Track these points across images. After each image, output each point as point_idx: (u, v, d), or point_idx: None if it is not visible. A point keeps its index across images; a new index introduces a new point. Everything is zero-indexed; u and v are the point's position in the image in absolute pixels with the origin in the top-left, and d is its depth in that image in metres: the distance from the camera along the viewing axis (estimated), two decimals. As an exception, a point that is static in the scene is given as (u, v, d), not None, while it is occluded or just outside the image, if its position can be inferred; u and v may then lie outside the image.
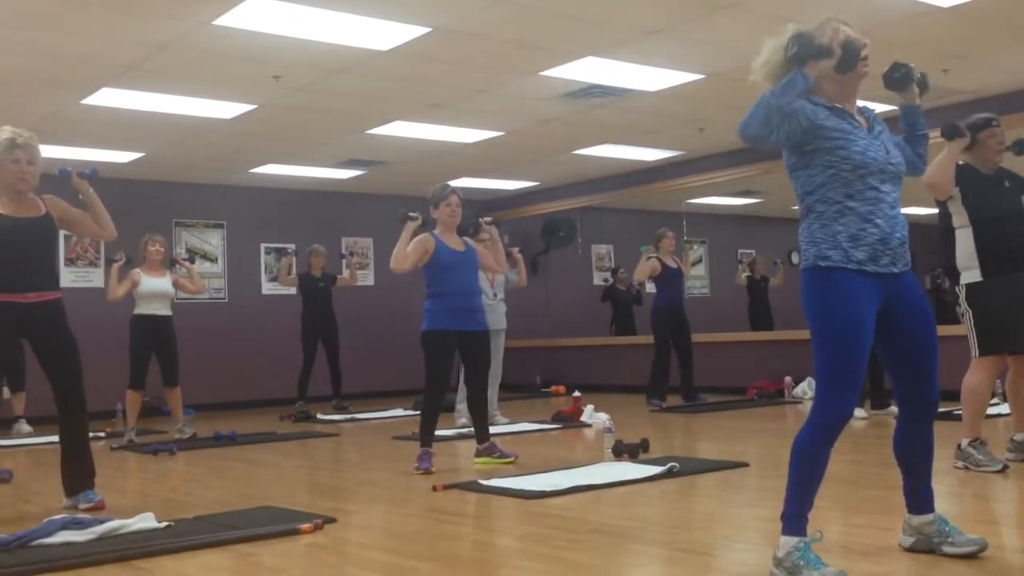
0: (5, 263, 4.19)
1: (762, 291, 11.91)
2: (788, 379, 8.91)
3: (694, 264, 9.53)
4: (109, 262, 7.50)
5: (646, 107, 8.06)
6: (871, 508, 3.73)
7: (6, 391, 8.57)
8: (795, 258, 13.27)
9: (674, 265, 8.86)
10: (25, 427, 8.46)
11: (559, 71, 6.94)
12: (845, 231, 2.65)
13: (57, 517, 3.69)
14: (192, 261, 8.16)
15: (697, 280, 14.47)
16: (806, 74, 2.61)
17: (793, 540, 2.59)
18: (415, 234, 5.25)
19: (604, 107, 8.02)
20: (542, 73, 6.98)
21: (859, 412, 6.90)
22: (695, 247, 9.66)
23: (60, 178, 4.48)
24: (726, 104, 7.96)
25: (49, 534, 3.50)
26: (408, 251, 5.18)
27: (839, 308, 2.61)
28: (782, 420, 7.53)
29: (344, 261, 10.14)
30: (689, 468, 4.74)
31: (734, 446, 5.91)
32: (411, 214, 5.28)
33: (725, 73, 7.00)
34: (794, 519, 2.62)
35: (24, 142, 4.25)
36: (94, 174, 4.54)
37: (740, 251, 14.83)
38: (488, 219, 5.95)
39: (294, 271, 9.56)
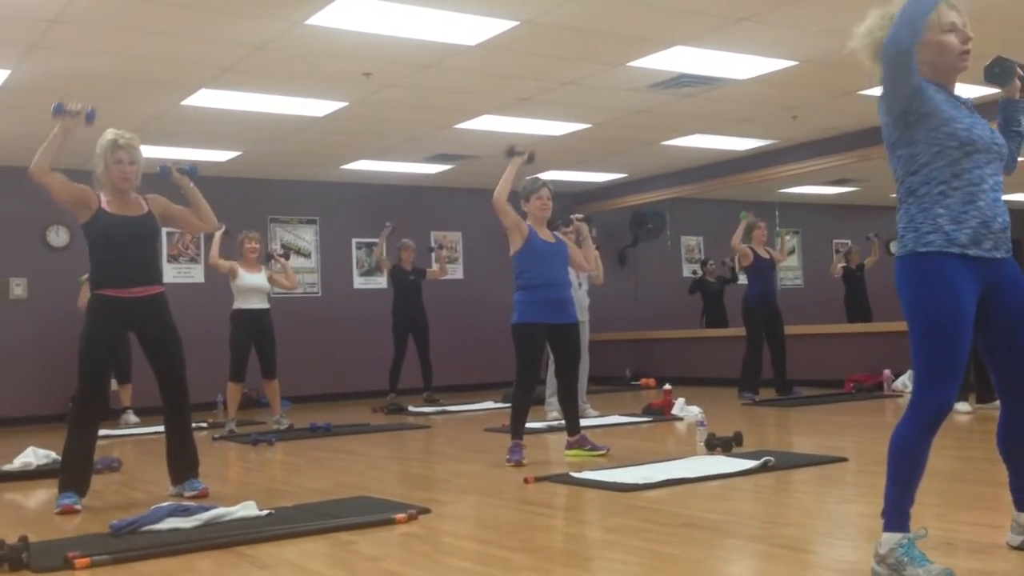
0: (111, 260, 4.36)
1: (859, 281, 11.60)
2: (887, 372, 8.66)
3: (789, 254, 9.31)
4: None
5: (737, 95, 7.92)
6: (977, 504, 3.61)
7: (114, 383, 8.93)
8: (894, 247, 12.95)
9: (766, 256, 8.70)
10: (132, 418, 8.80)
11: (647, 61, 6.88)
12: (947, 213, 2.54)
13: (164, 504, 3.83)
14: (287, 257, 8.36)
15: (790, 271, 14.18)
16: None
17: (896, 536, 2.52)
18: (519, 175, 5.19)
19: (693, 96, 7.91)
20: (630, 64, 6.93)
21: (963, 406, 6.67)
22: (789, 237, 9.44)
23: (160, 175, 4.62)
24: (821, 90, 7.78)
25: (157, 520, 3.63)
26: (508, 231, 5.17)
27: (938, 296, 2.52)
28: (881, 414, 7.32)
29: (433, 254, 10.24)
30: (784, 462, 4.65)
31: (831, 440, 5.78)
32: (518, 149, 5.27)
33: (819, 59, 6.82)
34: (896, 515, 2.55)
35: (126, 143, 4.41)
36: (193, 170, 4.68)
37: (835, 241, 14.48)
38: (580, 216, 5.92)
39: (384, 249, 9.66)
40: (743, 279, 9.43)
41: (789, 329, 8.81)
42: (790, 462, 4.70)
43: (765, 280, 8.66)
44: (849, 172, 11.26)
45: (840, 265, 11.66)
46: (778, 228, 9.68)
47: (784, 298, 9.27)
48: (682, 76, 7.30)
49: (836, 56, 6.15)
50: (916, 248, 2.56)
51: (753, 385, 8.46)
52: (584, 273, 7.50)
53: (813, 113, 8.60)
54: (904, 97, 2.55)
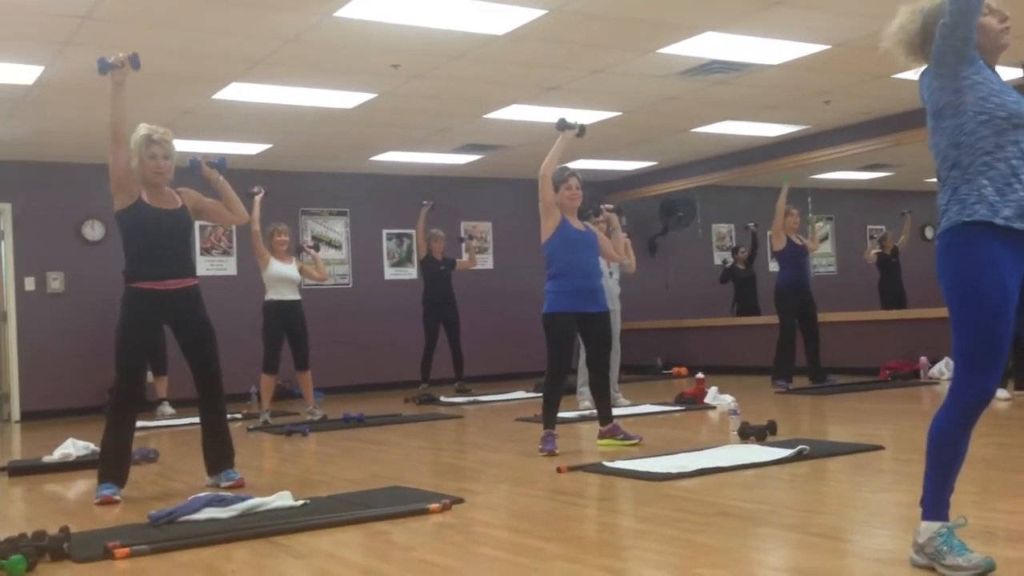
0: (146, 253, 4.41)
1: (894, 267, 11.48)
2: (924, 359, 8.56)
3: (822, 241, 9.21)
4: (248, 195, 7.75)
5: (768, 81, 7.84)
6: (1017, 493, 3.56)
7: (149, 375, 9.04)
8: (929, 233, 12.79)
9: (799, 243, 8.62)
10: (168, 409, 8.90)
11: (677, 48, 6.82)
12: (992, 185, 2.47)
13: (201, 495, 3.88)
14: (317, 249, 8.40)
15: (823, 258, 14.05)
16: None
17: (935, 525, 2.49)
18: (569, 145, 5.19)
19: (724, 83, 7.84)
20: (660, 51, 6.88)
21: (1003, 393, 6.58)
22: (821, 224, 9.35)
23: (191, 169, 4.65)
24: (854, 74, 7.69)
25: (195, 511, 3.68)
26: (544, 215, 5.16)
27: (981, 279, 2.46)
28: (918, 402, 7.24)
29: (464, 244, 10.25)
30: (819, 451, 4.61)
31: (866, 429, 5.73)
32: (569, 122, 5.25)
33: (853, 42, 6.74)
34: (935, 504, 2.52)
35: (159, 138, 4.44)
36: (223, 163, 4.71)
37: (869, 227, 14.32)
38: (610, 206, 5.90)
39: (423, 224, 9.67)
40: (774, 266, 9.35)
41: (823, 316, 8.73)
42: (825, 450, 4.66)
43: (797, 267, 8.59)
44: (883, 157, 11.12)
45: (874, 251, 11.53)
46: (810, 215, 9.57)
47: (817, 285, 9.18)
48: (713, 62, 7.23)
49: (870, 39, 6.05)
50: (961, 219, 2.48)
51: (786, 373, 8.40)
52: (616, 263, 7.47)
53: (846, 97, 8.49)
54: (961, 45, 2.47)
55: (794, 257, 8.56)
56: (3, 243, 9.62)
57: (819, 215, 9.58)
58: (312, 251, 8.13)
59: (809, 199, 11.56)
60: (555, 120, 5.34)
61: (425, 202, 9.70)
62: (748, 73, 7.57)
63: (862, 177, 13.14)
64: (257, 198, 7.42)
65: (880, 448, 4.72)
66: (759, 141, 10.48)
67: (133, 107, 4.38)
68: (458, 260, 9.88)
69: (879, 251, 11.49)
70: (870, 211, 14.28)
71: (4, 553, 3.03)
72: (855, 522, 3.33)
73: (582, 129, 5.30)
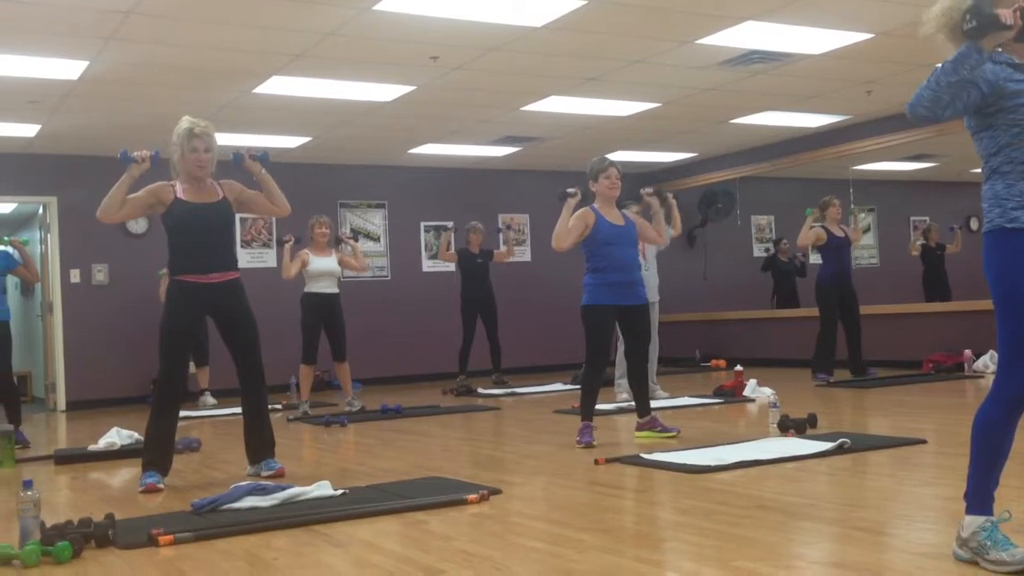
0: (189, 247, 4.47)
1: (938, 260, 11.30)
2: (968, 352, 8.43)
3: (864, 232, 9.08)
4: (280, 243, 7.89)
5: (809, 71, 7.75)
6: (1065, 489, 3.49)
7: (192, 366, 9.17)
8: (974, 224, 12.58)
9: (840, 234, 8.51)
10: (210, 399, 9.02)
11: (717, 38, 6.76)
12: None
13: (243, 483, 3.93)
14: (356, 240, 8.45)
15: (865, 250, 13.87)
16: (981, 47, 2.42)
17: (979, 519, 2.46)
18: (575, 209, 5.23)
19: (765, 73, 7.76)
20: (699, 41, 6.82)
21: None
22: (864, 215, 9.21)
23: (234, 163, 4.71)
24: (897, 63, 7.57)
25: (236, 499, 3.72)
26: (569, 227, 5.18)
27: (1022, 278, 2.44)
28: (961, 395, 7.13)
29: (501, 235, 10.24)
30: (861, 444, 4.56)
31: (909, 422, 5.65)
32: (569, 190, 5.27)
33: (895, 30, 6.63)
34: (979, 498, 2.49)
35: (201, 131, 4.49)
36: (265, 157, 4.75)
37: (912, 219, 14.11)
38: (649, 190, 5.86)
39: (453, 247, 9.75)
40: (816, 258, 9.25)
41: (865, 309, 8.62)
42: (867, 444, 4.61)
43: (839, 259, 8.48)
44: (927, 147, 10.94)
45: (919, 243, 11.36)
46: (852, 207, 9.43)
47: (859, 277, 9.06)
48: (753, 52, 7.16)
49: (913, 27, 5.96)
50: (1003, 224, 2.49)
51: (827, 366, 8.31)
52: (651, 251, 7.41)
53: (889, 87, 8.36)
54: (974, 107, 2.50)
55: (837, 249, 8.46)
56: (49, 236, 9.80)
57: (861, 206, 9.41)
58: (351, 242, 8.18)
59: (851, 190, 11.41)
60: (556, 192, 5.36)
61: (448, 226, 9.76)
62: (789, 63, 7.49)
63: (905, 168, 12.94)
64: (287, 246, 7.55)
65: (923, 442, 4.66)
66: (800, 132, 10.37)
67: (176, 100, 4.47)
68: (495, 251, 9.90)
69: (923, 243, 11.32)
70: (913, 202, 14.07)
71: (51, 540, 3.10)
72: (897, 516, 3.29)
73: (584, 195, 5.31)
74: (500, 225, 10.62)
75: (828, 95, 8.71)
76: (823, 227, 8.41)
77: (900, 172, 13.26)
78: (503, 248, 9.99)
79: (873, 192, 13.46)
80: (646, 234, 5.51)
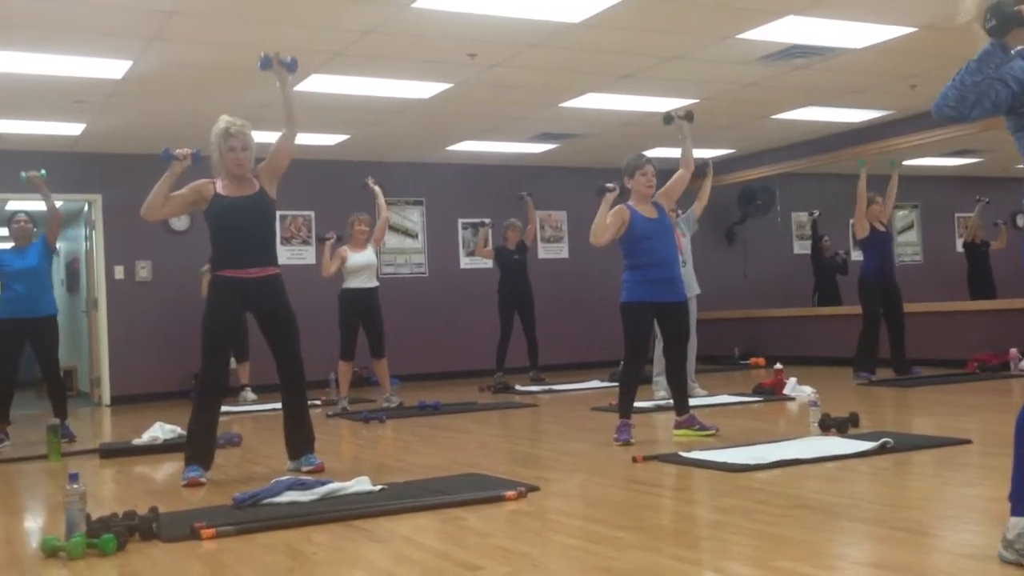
0: (228, 241, 4.52)
1: (983, 257, 11.11)
2: (1014, 351, 8.27)
3: (906, 230, 8.90)
4: (321, 240, 7.94)
5: (852, 65, 7.65)
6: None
7: (232, 361, 9.27)
8: (1020, 220, 12.34)
9: (883, 229, 8.40)
10: (250, 395, 9.12)
11: (757, 33, 6.70)
12: None
13: (283, 478, 3.97)
14: (380, 185, 8.02)
15: (908, 247, 13.69)
16: (1005, 45, 2.37)
17: (1024, 521, 2.42)
18: (612, 205, 5.21)
19: (806, 68, 7.68)
20: (739, 36, 6.76)
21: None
22: (907, 211, 9.08)
23: (262, 67, 4.57)
24: (942, 57, 7.44)
25: (277, 494, 3.76)
26: (607, 223, 5.16)
27: None
28: (1007, 395, 7.01)
29: (528, 201, 9.80)
30: (903, 444, 4.50)
31: (953, 422, 5.57)
32: (607, 185, 5.24)
33: (939, 23, 6.53)
34: (1024, 499, 2.44)
35: (237, 130, 4.53)
36: (294, 64, 4.63)
37: (957, 215, 13.89)
38: (681, 112, 5.59)
39: (490, 243, 9.73)
40: (858, 256, 9.13)
41: (908, 306, 8.50)
42: (910, 444, 4.55)
43: (882, 254, 8.37)
44: (972, 142, 10.77)
45: (966, 239, 11.21)
46: (892, 161, 9.11)
47: (903, 274, 8.94)
48: (794, 47, 7.08)
49: (957, 20, 5.85)
50: None
51: (869, 364, 8.21)
52: (687, 244, 7.32)
53: (933, 81, 8.19)
54: (1005, 107, 2.45)
55: (879, 245, 8.35)
56: (94, 233, 9.97)
57: (904, 203, 9.24)
58: (374, 185, 7.78)
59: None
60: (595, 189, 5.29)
61: (484, 223, 9.73)
62: (831, 57, 7.40)
63: (950, 163, 12.74)
64: (328, 243, 7.59)
65: (967, 442, 4.58)
66: (842, 127, 10.24)
67: (217, 98, 4.52)
68: (524, 238, 9.71)
69: (968, 240, 11.15)
70: (958, 198, 13.85)
71: (96, 532, 3.15)
72: (941, 517, 3.24)
73: (622, 191, 5.26)
74: (521, 192, 10.19)
75: (871, 90, 8.60)
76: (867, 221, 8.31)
77: (945, 168, 13.05)
78: (528, 219, 9.75)
79: (917, 188, 13.27)
80: (672, 189, 5.35)
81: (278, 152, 4.68)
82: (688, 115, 5.54)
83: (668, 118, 5.60)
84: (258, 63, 4.61)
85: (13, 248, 6.62)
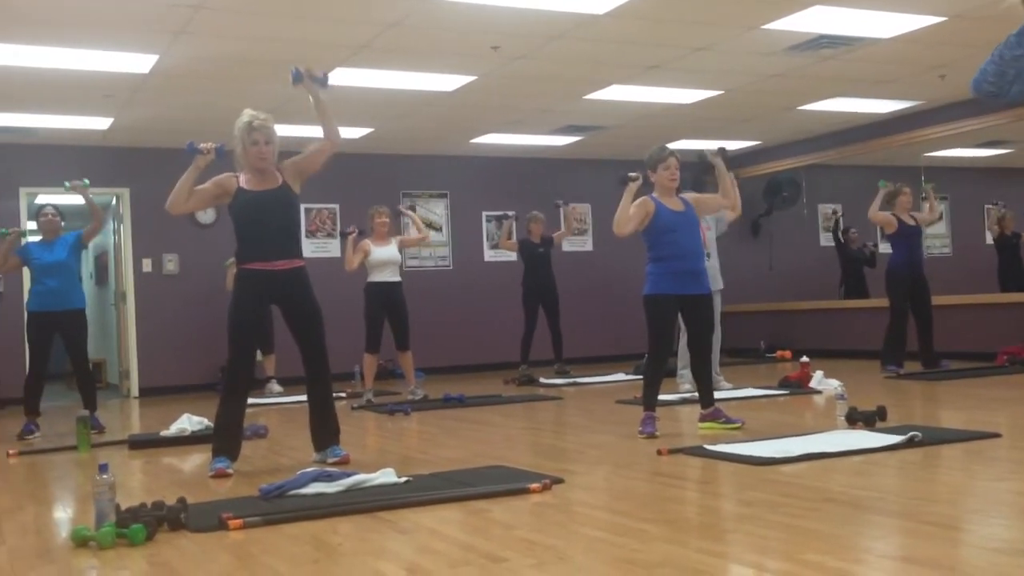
0: (253, 235, 4.54)
1: (1014, 249, 10.97)
2: (1045, 344, 8.17)
3: (937, 220, 8.80)
4: (344, 235, 7.97)
5: (880, 55, 7.57)
6: None
7: (258, 354, 9.32)
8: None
9: (911, 222, 8.31)
10: (276, 387, 9.17)
11: (783, 23, 6.64)
12: None
13: (309, 470, 4.00)
14: (414, 210, 8.38)
15: (937, 239, 13.53)
16: None
17: (1057, 517, 2.39)
18: (637, 195, 5.18)
19: (833, 58, 7.60)
20: (765, 26, 6.71)
21: None
22: (938, 200, 8.96)
23: (294, 81, 4.58)
24: (971, 47, 7.35)
25: (303, 485, 3.78)
26: (631, 214, 5.13)
27: None
28: (1037, 389, 6.93)
29: (561, 212, 10.03)
30: (932, 438, 4.45)
31: (982, 415, 5.51)
32: (630, 175, 5.21)
33: (969, 12, 6.44)
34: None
35: (260, 124, 4.55)
36: (325, 79, 4.65)
37: (986, 206, 13.71)
38: (714, 151, 5.63)
39: (514, 236, 9.73)
40: (886, 247, 9.04)
41: (937, 299, 8.41)
42: (938, 437, 4.50)
43: (910, 247, 8.29)
44: (1002, 133, 10.61)
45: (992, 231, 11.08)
46: (924, 182, 9.11)
47: (931, 266, 8.85)
48: (821, 37, 7.02)
49: (988, 8, 5.79)
50: None
51: (897, 357, 8.13)
52: (711, 238, 7.29)
53: (962, 71, 8.07)
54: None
55: (907, 238, 8.27)
56: (122, 227, 10.06)
57: (934, 184, 9.12)
58: (409, 212, 8.13)
59: (922, 177, 11.12)
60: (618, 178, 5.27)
61: (508, 215, 9.71)
62: (858, 48, 7.33)
63: (979, 154, 12.58)
64: (351, 238, 7.63)
65: (996, 436, 4.53)
66: (869, 118, 10.15)
67: (243, 92, 4.55)
68: (555, 235, 9.79)
69: (997, 232, 11.02)
70: (988, 190, 13.67)
71: (125, 522, 3.18)
72: (970, 511, 3.21)
73: (646, 180, 5.22)
74: (557, 201, 10.35)
75: (899, 80, 8.51)
76: (895, 215, 8.23)
77: (974, 159, 12.89)
78: (563, 227, 9.86)
79: (946, 180, 13.07)
80: (707, 205, 5.40)
81: (312, 157, 4.71)
82: (721, 151, 5.57)
83: (702, 156, 5.64)
84: (290, 77, 4.65)
85: (42, 241, 6.69)
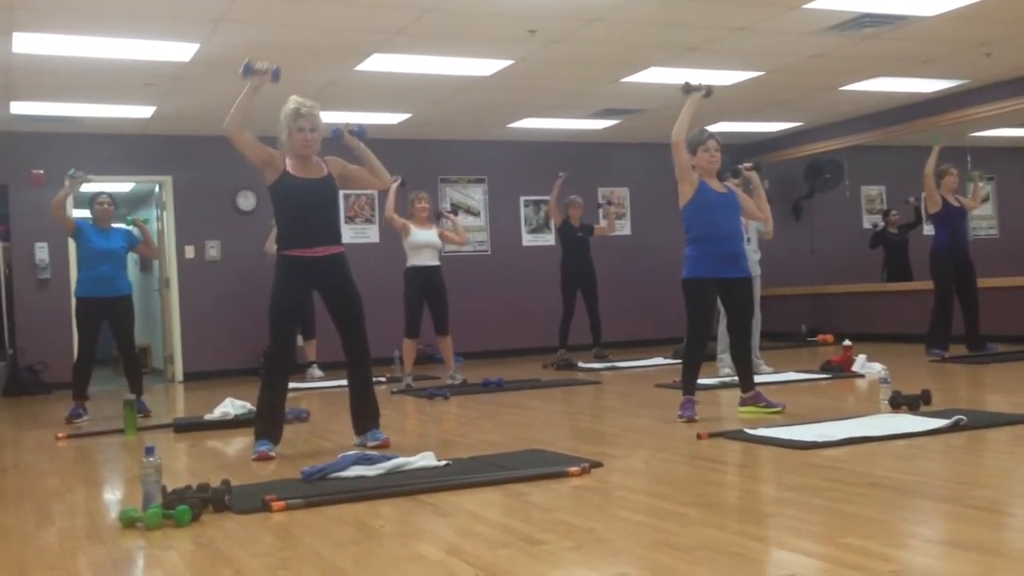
0: (296, 221, 4.59)
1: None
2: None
3: (983, 201, 8.64)
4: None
5: (924, 33, 7.43)
6: None
7: (299, 339, 9.41)
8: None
9: (956, 204, 8.17)
10: (317, 372, 9.26)
11: (825, 2, 6.54)
12: None
13: (350, 453, 4.03)
14: (455, 214, 8.52)
15: (983, 220, 13.29)
16: None
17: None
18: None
19: (876, 37, 7.47)
20: (806, 6, 6.60)
21: None
22: (983, 183, 8.78)
23: (333, 138, 4.81)
24: (1018, 23, 7.21)
25: (344, 468, 3.83)
26: (687, 124, 5.02)
27: None
28: (1087, 372, 6.79)
29: (601, 210, 10.20)
30: (977, 421, 4.39)
31: (1029, 399, 5.41)
32: (693, 83, 5.11)
33: (1018, -12, 6.30)
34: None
35: (307, 111, 4.59)
36: (363, 131, 4.88)
37: (1034, 186, 13.44)
38: (749, 164, 5.75)
39: (555, 195, 9.60)
40: (929, 229, 8.90)
41: (983, 281, 8.27)
42: (984, 421, 4.44)
43: (954, 229, 8.15)
44: (1051, 111, 10.38)
45: None
46: (970, 171, 9.00)
47: (978, 248, 8.69)
48: (864, 16, 6.90)
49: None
50: None
51: (942, 341, 8.01)
52: (753, 223, 7.25)
53: (1010, 49, 7.96)
54: None
55: (951, 219, 8.13)
56: (165, 214, 10.20)
57: (981, 172, 8.96)
58: (451, 216, 8.27)
59: (968, 158, 10.92)
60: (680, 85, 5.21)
61: (560, 173, 9.64)
62: (902, 26, 7.19)
63: (1027, 133, 12.32)
64: (393, 186, 7.59)
65: (1045, 420, 4.46)
66: (913, 98, 9.97)
67: (282, 79, 4.55)
68: (596, 226, 9.84)
69: None
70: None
71: (171, 504, 3.24)
72: (1016, 495, 3.16)
73: (709, 90, 5.14)
74: (600, 200, 10.51)
75: (944, 59, 8.34)
76: (940, 195, 8.09)
77: (1021, 139, 12.62)
78: (604, 223, 9.91)
79: (992, 160, 12.86)
80: (747, 208, 5.38)
81: (359, 176, 4.85)
82: (757, 166, 5.56)
83: (736, 171, 5.61)
84: (330, 134, 4.80)
85: (96, 226, 6.76)
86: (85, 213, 7.10)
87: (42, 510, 3.63)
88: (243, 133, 4.55)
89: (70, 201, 6.98)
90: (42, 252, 9.57)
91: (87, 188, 7.26)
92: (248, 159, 4.60)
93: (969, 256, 8.20)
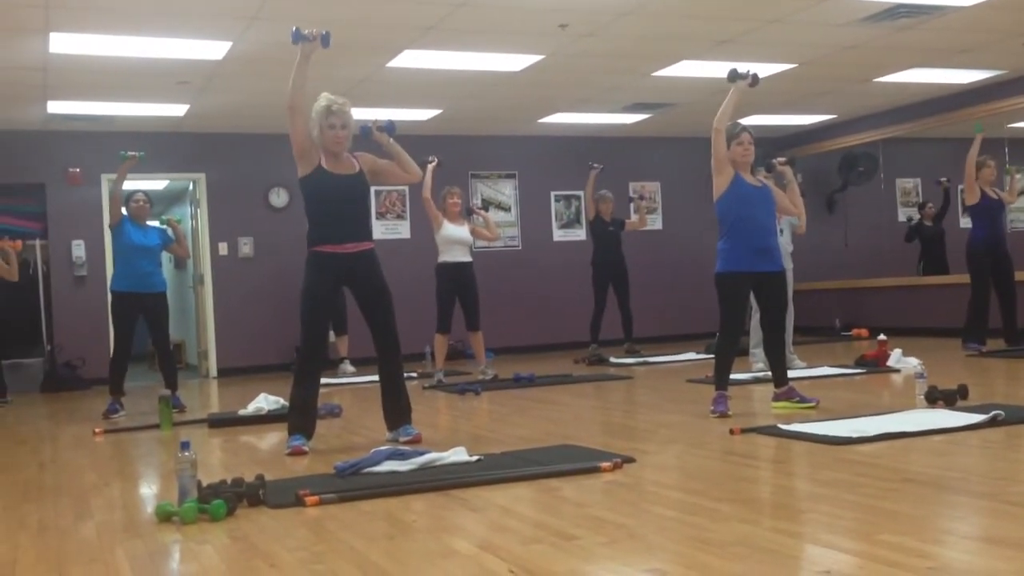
0: (327, 217, 4.61)
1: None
2: None
3: (1020, 194, 8.53)
4: (423, 165, 7.97)
5: (961, 23, 7.32)
6: None
7: (331, 335, 9.46)
8: None
9: (994, 196, 8.05)
10: (349, 367, 9.31)
11: (858, -8, 6.47)
12: None
13: (382, 448, 4.05)
14: (486, 210, 8.53)
15: (1021, 212, 13.07)
16: None
17: None
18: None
19: (911, 28, 7.37)
20: (839, -4, 6.54)
21: None
22: (1020, 176, 8.66)
23: (362, 135, 4.81)
24: (1058, 11, 7.08)
25: (376, 463, 3.84)
26: (730, 113, 5.01)
27: None
28: None
29: (633, 205, 10.17)
30: (1016, 417, 4.32)
31: (1070, 395, 5.32)
32: (741, 71, 5.10)
33: (1057, -24, 6.19)
34: None
35: (338, 108, 4.61)
36: (391, 127, 4.89)
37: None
38: (783, 160, 5.70)
39: (590, 187, 9.55)
40: (966, 222, 8.77)
41: (1020, 275, 8.14)
42: (1022, 416, 4.37)
43: (992, 222, 8.03)
44: (1091, 101, 10.19)
45: None
46: (1008, 166, 8.88)
47: (1015, 241, 8.55)
48: (898, 6, 6.81)
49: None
50: None
51: (979, 335, 7.90)
52: (786, 217, 7.19)
53: (1049, 38, 7.82)
54: None
55: (989, 212, 8.01)
56: (199, 211, 10.30)
57: (1017, 166, 8.84)
58: (482, 212, 8.28)
59: (1006, 149, 10.74)
60: (726, 73, 5.19)
61: (594, 165, 9.60)
62: (938, 16, 7.09)
63: (1067, 124, 12.10)
64: (430, 167, 7.57)
65: (1086, 415, 4.38)
66: (949, 89, 9.83)
67: (314, 76, 4.58)
68: (627, 221, 9.81)
69: None
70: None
71: (206, 498, 3.27)
72: (1057, 493, 3.11)
73: (755, 78, 5.11)
74: (632, 195, 10.49)
75: (981, 49, 8.21)
76: (979, 186, 7.98)
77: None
78: (635, 217, 9.88)
79: (1031, 152, 12.65)
80: (780, 203, 5.34)
81: (390, 171, 4.88)
82: (791, 161, 5.52)
83: (769, 165, 5.56)
84: (359, 132, 4.81)
85: (134, 222, 6.83)
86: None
87: (80, 504, 3.69)
88: (303, 112, 4.57)
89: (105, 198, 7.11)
90: (79, 249, 9.71)
91: (124, 186, 7.30)
92: (293, 139, 4.57)
93: (1007, 249, 8.08)
